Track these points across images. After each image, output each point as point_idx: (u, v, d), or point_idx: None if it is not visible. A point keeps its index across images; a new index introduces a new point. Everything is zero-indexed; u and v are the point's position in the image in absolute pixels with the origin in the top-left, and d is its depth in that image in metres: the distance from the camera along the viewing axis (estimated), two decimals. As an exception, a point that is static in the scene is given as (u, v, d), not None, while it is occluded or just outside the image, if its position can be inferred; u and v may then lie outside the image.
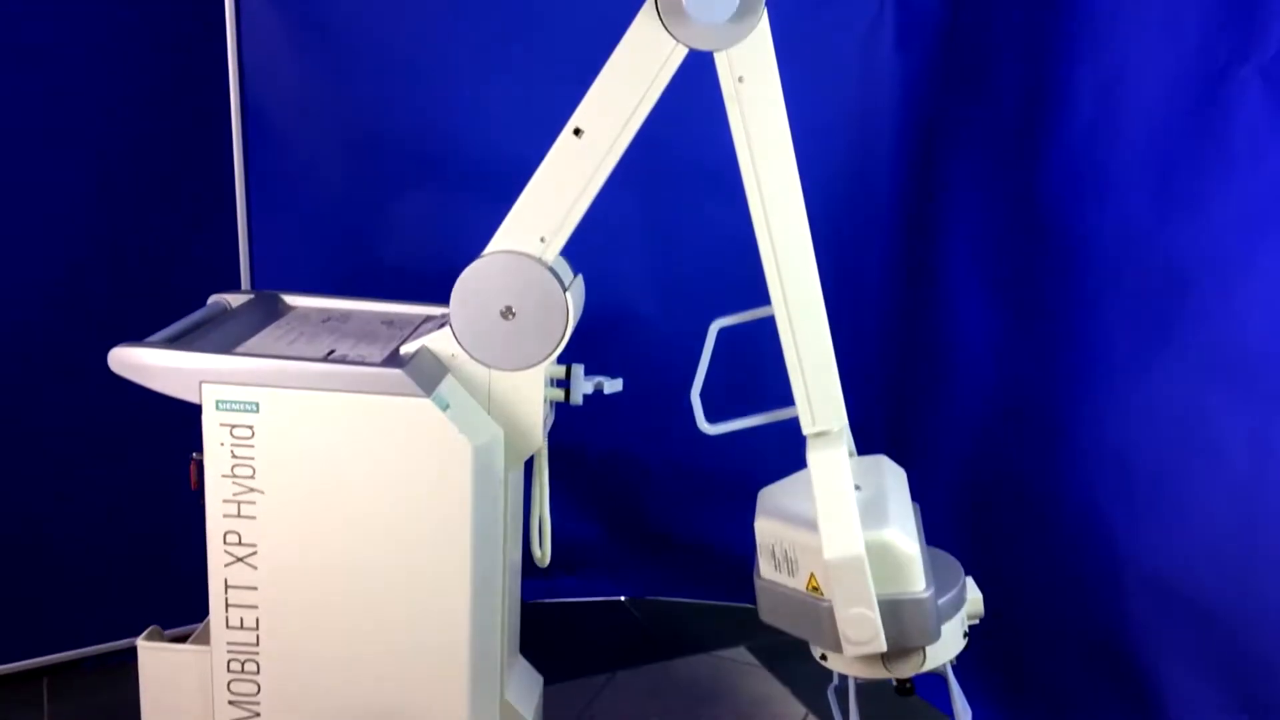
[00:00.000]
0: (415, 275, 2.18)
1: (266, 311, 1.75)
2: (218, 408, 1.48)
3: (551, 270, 1.54)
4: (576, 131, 1.50)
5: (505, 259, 1.54)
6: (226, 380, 1.47)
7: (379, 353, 1.58)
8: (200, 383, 1.48)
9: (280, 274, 2.20)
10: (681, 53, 1.46)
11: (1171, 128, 1.67)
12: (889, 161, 2.17)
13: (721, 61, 1.46)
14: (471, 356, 1.57)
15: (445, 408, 1.49)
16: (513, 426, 1.59)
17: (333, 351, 1.58)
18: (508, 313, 1.55)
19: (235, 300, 1.78)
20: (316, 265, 2.22)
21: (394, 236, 2.25)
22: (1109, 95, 1.76)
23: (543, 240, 1.54)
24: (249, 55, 2.12)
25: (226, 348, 1.55)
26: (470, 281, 1.55)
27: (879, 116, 2.15)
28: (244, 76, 2.12)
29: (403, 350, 1.57)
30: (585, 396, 1.67)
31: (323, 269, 2.22)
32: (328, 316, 1.76)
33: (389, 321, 1.76)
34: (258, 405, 1.48)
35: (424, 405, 1.47)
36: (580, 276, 1.67)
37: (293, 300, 1.82)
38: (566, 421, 1.73)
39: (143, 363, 1.49)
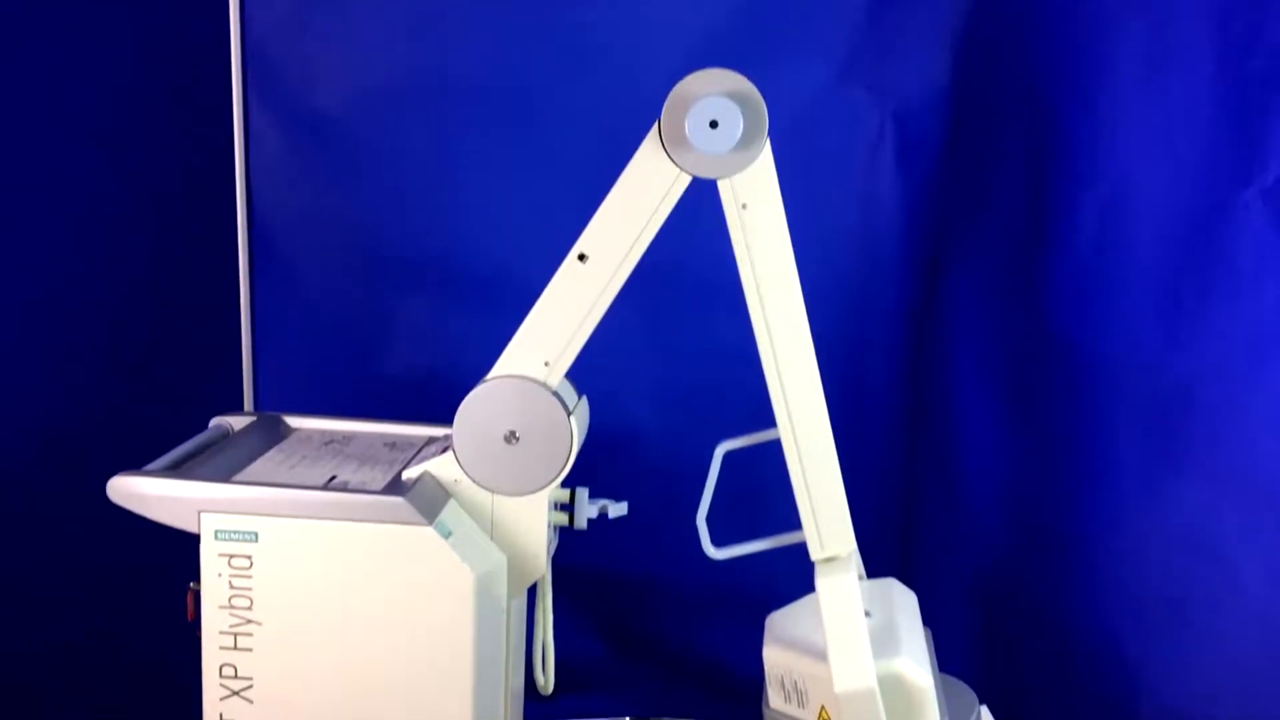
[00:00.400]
0: (420, 393, 2.18)
1: (268, 434, 1.74)
2: (216, 537, 1.46)
3: (555, 394, 1.53)
4: (581, 257, 1.51)
5: (509, 384, 1.53)
6: (225, 509, 1.45)
7: (381, 478, 1.57)
8: (199, 512, 1.46)
9: (285, 392, 2.19)
10: (685, 180, 1.47)
11: (1176, 248, 1.67)
12: (893, 280, 2.16)
13: (725, 189, 1.47)
14: (474, 482, 1.55)
15: (447, 536, 1.47)
16: (516, 553, 1.56)
17: (334, 477, 1.56)
18: (511, 437, 1.53)
19: (237, 422, 1.77)
20: (322, 383, 2.21)
21: (400, 354, 2.24)
22: (1112, 216, 1.77)
23: (547, 364, 1.54)
24: (256, 174, 2.14)
25: (226, 475, 1.53)
26: (474, 406, 1.54)
27: (882, 235, 2.15)
28: (251, 194, 2.14)
29: (405, 476, 1.55)
30: (589, 520, 1.64)
31: (328, 386, 2.21)
32: (330, 439, 1.75)
33: (391, 444, 1.74)
34: (257, 535, 1.46)
35: (426, 534, 1.45)
36: (585, 398, 1.66)
37: (295, 422, 1.81)
38: (570, 543, 1.71)
39: (141, 492, 1.47)
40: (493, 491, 1.55)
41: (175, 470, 1.52)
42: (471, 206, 2.18)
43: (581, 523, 1.64)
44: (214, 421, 1.78)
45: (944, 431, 2.11)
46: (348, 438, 1.76)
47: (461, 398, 1.56)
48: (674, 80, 1.52)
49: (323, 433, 1.78)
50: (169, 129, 2.07)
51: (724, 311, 1.90)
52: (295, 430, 1.79)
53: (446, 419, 1.61)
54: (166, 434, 1.70)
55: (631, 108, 2.15)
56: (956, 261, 2.08)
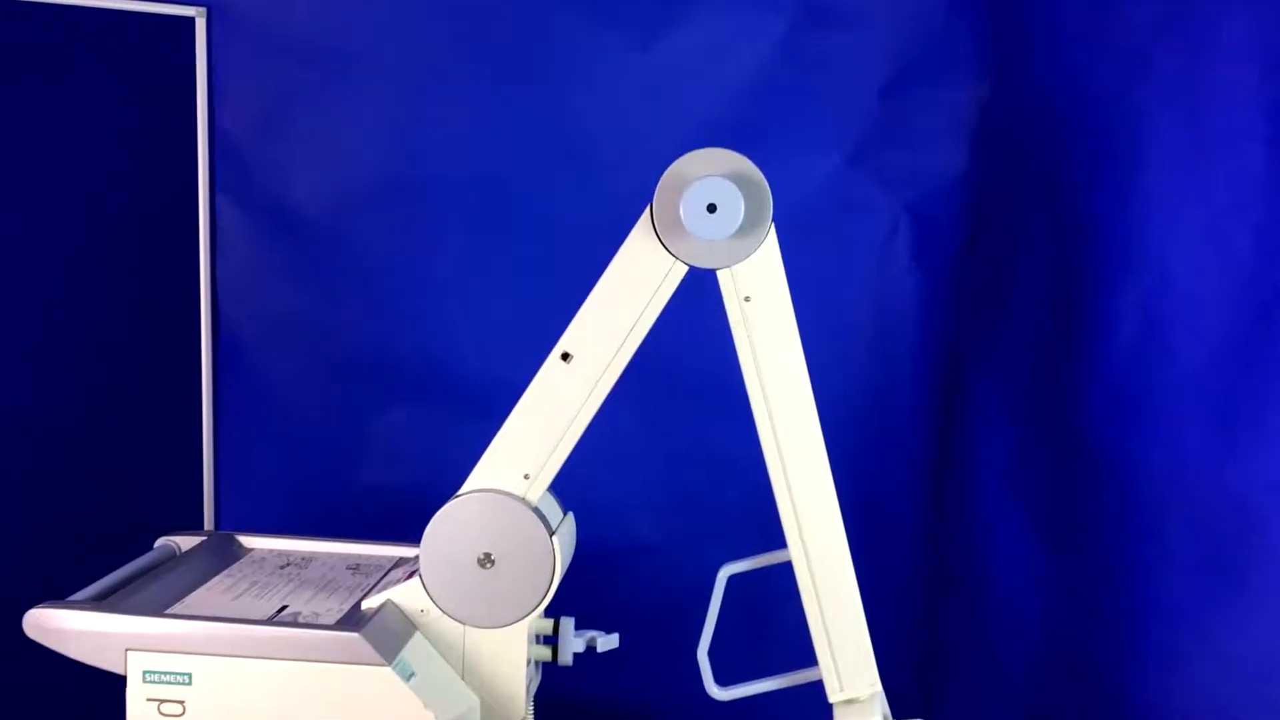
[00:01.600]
0: (396, 508, 1.99)
1: (218, 557, 1.55)
2: (144, 679, 1.27)
3: (536, 511, 1.35)
4: (565, 356, 1.34)
5: (483, 499, 1.35)
6: (155, 647, 1.27)
7: (337, 608, 1.38)
8: (125, 650, 1.27)
9: (249, 507, 2.01)
10: (681, 270, 1.32)
11: (1226, 349, 1.50)
12: (910, 384, 2.00)
13: (726, 280, 1.31)
14: (443, 612, 1.36)
15: (409, 677, 1.28)
16: (491, 694, 1.37)
17: (284, 608, 1.37)
18: (486, 560, 1.35)
19: (186, 543, 1.59)
20: (289, 497, 2.04)
21: (374, 466, 2.06)
22: (1152, 314, 1.60)
23: (526, 477, 1.36)
24: (223, 275, 1.99)
25: (159, 607, 1.34)
26: (443, 525, 1.36)
27: (898, 336, 2.00)
28: (216, 296, 1.99)
29: (364, 605, 1.37)
30: (576, 655, 1.45)
31: (295, 501, 2.03)
32: (286, 561, 1.56)
33: (355, 566, 1.56)
34: (190, 676, 1.26)
35: (384, 675, 1.26)
36: (570, 515, 1.47)
37: (250, 542, 1.62)
38: (554, 680, 1.51)
39: (59, 626, 1.28)
40: (464, 624, 1.36)
41: (101, 602, 1.33)
42: (452, 309, 2.03)
43: (566, 658, 1.44)
44: (160, 542, 1.59)
45: (969, 554, 1.91)
46: (307, 559, 1.57)
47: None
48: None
49: (279, 554, 1.59)
50: (134, 225, 1.93)
51: (727, 413, 1.75)
52: (250, 551, 1.60)
53: (420, 536, 1.45)
54: (114, 556, 1.52)
55: (627, 203, 2.01)
56: (979, 363, 1.92)
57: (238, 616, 1.32)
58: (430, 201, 2.01)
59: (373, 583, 1.48)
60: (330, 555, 1.60)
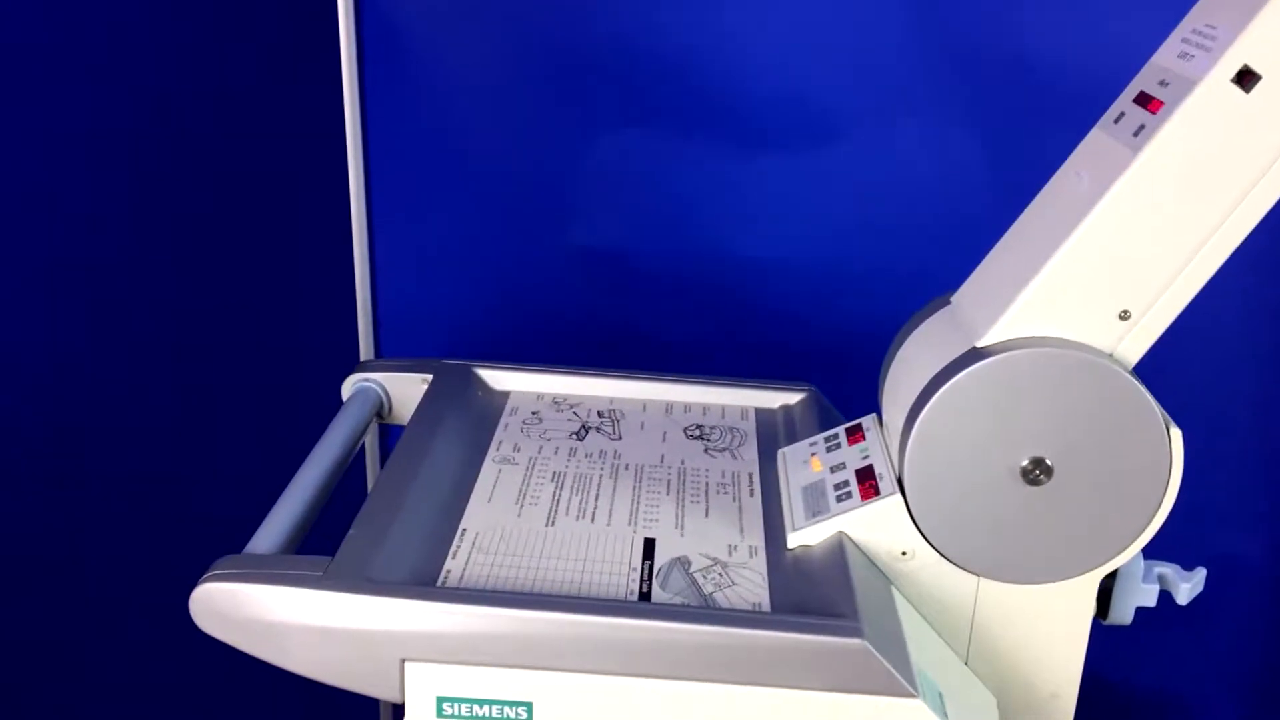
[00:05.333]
0: (626, 281, 1.34)
1: (466, 417, 0.91)
2: (440, 714, 0.66)
3: (1135, 380, 0.71)
4: (1242, 77, 0.66)
5: (1037, 360, 0.71)
6: (457, 656, 0.65)
7: (741, 544, 0.75)
8: (402, 661, 0.65)
9: (421, 295, 1.36)
10: None
11: None
12: None
13: None
14: (944, 558, 0.74)
15: (939, 698, 0.67)
16: (1017, 688, 0.78)
17: (650, 547, 0.75)
18: (1037, 472, 0.72)
19: (395, 385, 0.95)
20: (479, 274, 1.37)
21: (588, 215, 1.38)
22: None
23: (1124, 317, 0.71)
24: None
25: (436, 554, 0.71)
26: (947, 412, 0.72)
27: None
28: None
29: (791, 540, 0.75)
30: (1140, 611, 0.83)
31: (487, 280, 1.37)
32: (581, 424, 0.92)
33: (697, 431, 0.92)
34: (530, 709, 0.66)
35: (913, 711, 0.65)
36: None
37: (496, 379, 0.98)
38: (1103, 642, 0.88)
39: (262, 617, 0.66)
40: (983, 576, 0.75)
41: (332, 565, 0.69)
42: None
43: (1123, 614, 0.82)
44: (353, 386, 0.95)
45: None
46: (613, 419, 0.93)
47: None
48: None
49: (558, 406, 0.95)
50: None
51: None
52: (507, 399, 0.96)
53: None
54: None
55: None
56: None
57: (596, 595, 0.69)
58: None
59: (751, 471, 0.85)
60: (640, 406, 0.96)
